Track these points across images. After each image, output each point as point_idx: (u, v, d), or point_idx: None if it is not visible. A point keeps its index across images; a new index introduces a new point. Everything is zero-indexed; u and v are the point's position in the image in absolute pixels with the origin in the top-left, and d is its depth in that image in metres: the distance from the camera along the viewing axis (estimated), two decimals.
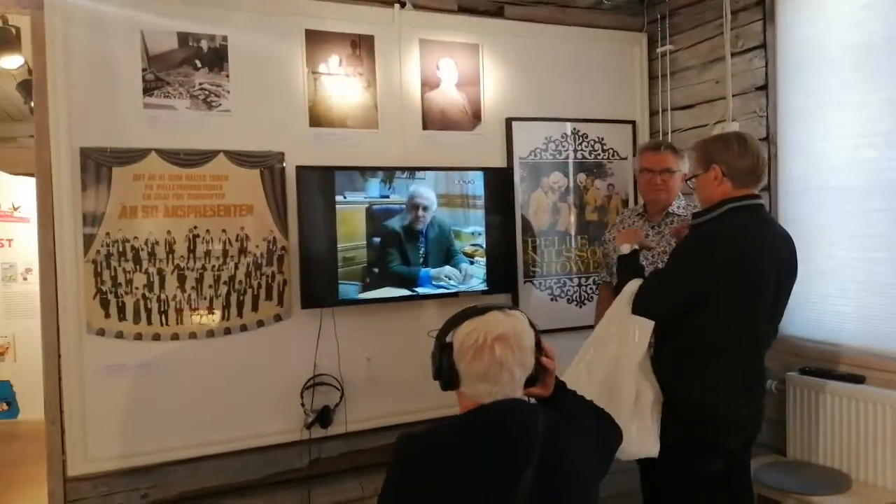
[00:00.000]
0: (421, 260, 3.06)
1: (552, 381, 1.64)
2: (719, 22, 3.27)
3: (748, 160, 2.10)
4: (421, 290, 3.07)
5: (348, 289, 2.95)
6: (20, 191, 5.60)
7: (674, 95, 3.63)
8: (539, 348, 1.58)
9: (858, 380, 2.71)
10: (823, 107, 2.85)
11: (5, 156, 5.66)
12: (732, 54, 3.22)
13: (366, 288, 2.98)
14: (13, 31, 3.36)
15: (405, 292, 3.04)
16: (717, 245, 2.04)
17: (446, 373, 1.52)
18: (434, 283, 3.09)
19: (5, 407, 5.70)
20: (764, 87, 3.12)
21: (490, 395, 1.47)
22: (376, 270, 2.99)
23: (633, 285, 2.22)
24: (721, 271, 2.00)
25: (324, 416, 2.99)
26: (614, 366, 2.14)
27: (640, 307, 2.13)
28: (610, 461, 1.64)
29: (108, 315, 2.71)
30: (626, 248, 2.45)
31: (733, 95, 3.22)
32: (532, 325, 1.58)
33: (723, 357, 2.06)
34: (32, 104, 2.74)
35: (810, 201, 2.92)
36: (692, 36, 3.50)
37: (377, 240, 2.98)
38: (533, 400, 1.63)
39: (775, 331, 2.28)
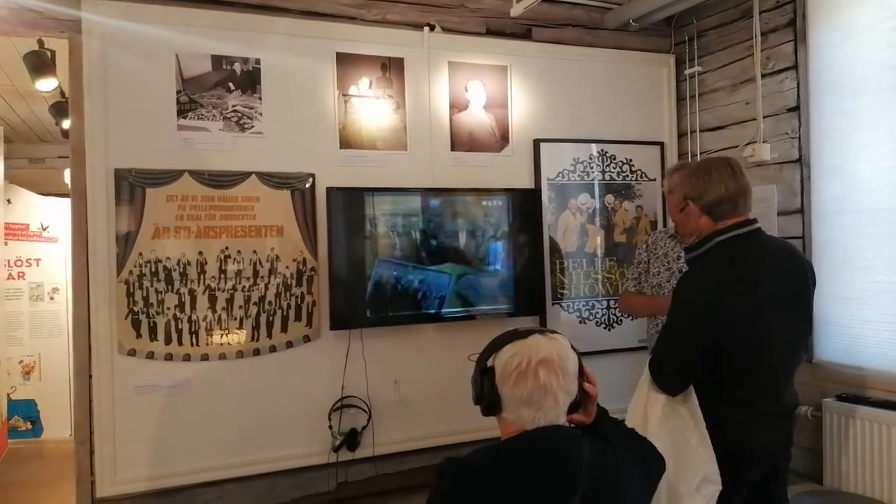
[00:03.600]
0: (447, 279, 3.05)
1: (594, 407, 1.61)
2: (749, 43, 3.26)
3: (717, 190, 1.99)
4: (447, 311, 3.05)
5: (376, 310, 2.94)
6: (48, 211, 5.67)
7: (702, 117, 3.61)
8: (581, 374, 1.55)
9: None
10: (857, 128, 2.82)
11: (35, 176, 5.75)
12: (763, 75, 3.20)
13: (395, 309, 2.97)
14: (48, 54, 3.41)
15: (432, 313, 3.02)
16: (701, 296, 1.94)
17: (488, 397, 1.49)
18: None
19: (30, 426, 5.71)
20: (796, 109, 3.09)
21: (534, 420, 1.44)
22: (403, 291, 2.98)
23: None
24: (716, 313, 1.91)
25: (351, 439, 2.96)
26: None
27: (659, 384, 2.00)
28: (653, 491, 1.60)
29: (139, 335, 2.72)
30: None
31: (764, 117, 3.19)
32: (574, 349, 1.55)
33: (733, 388, 1.96)
34: (64, 126, 2.77)
35: (845, 224, 2.88)
36: (721, 57, 3.49)
37: (404, 260, 2.98)
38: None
39: (805, 349, 2.19)
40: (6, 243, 5.57)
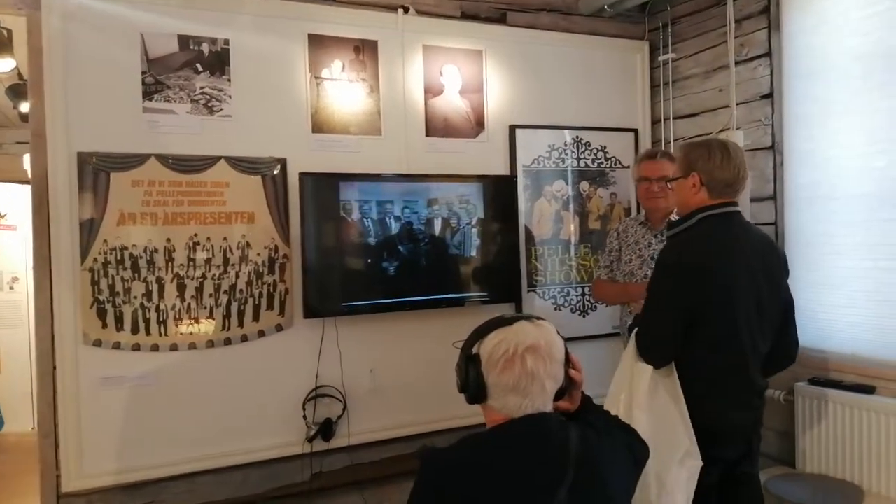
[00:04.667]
0: (421, 267, 3.02)
1: (579, 394, 1.59)
2: (723, 30, 3.27)
3: (729, 172, 2.03)
4: (422, 299, 3.01)
5: (351, 298, 2.89)
6: (7, 198, 5.47)
7: (676, 104, 3.61)
8: (567, 360, 1.53)
9: (868, 390, 2.69)
10: (831, 115, 2.84)
11: None
12: (736, 62, 3.21)
13: (369, 297, 2.92)
14: (5, 33, 3.28)
15: (408, 300, 2.99)
16: (682, 261, 1.98)
17: (473, 385, 1.46)
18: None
19: None
20: (769, 96, 3.11)
21: (520, 408, 1.41)
22: (378, 279, 2.94)
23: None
24: (698, 282, 1.94)
25: (326, 429, 2.92)
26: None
27: (646, 358, 2.03)
28: (638, 476, 1.59)
29: (105, 325, 2.63)
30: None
31: (737, 104, 3.20)
32: (560, 336, 1.53)
33: (707, 371, 1.98)
34: (22, 109, 2.66)
35: (817, 210, 2.90)
36: (695, 44, 3.49)
37: (378, 248, 2.93)
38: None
39: (790, 344, 2.20)
40: None
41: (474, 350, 1.48)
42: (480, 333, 1.49)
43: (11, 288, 5.54)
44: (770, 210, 3.11)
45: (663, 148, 3.57)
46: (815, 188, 2.90)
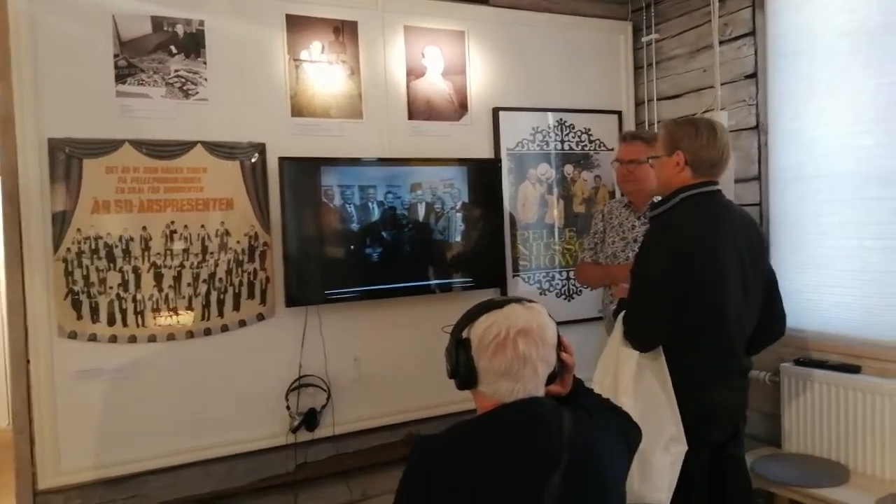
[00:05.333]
0: (405, 253, 2.97)
1: (570, 378, 1.56)
2: (706, 10, 3.23)
3: (715, 152, 2.01)
4: (406, 286, 2.97)
5: (333, 286, 2.83)
6: None
7: (660, 85, 3.58)
8: (559, 344, 1.50)
9: (854, 369, 2.69)
10: (816, 94, 2.82)
11: None
12: (720, 42, 3.18)
13: (352, 284, 2.87)
14: None
15: (392, 287, 2.94)
16: (668, 243, 1.95)
17: (464, 370, 1.42)
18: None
19: None
20: (753, 76, 3.09)
21: (512, 393, 1.37)
22: (361, 266, 2.89)
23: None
24: (684, 262, 1.92)
25: (310, 419, 2.87)
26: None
27: (633, 341, 2.00)
28: (631, 458, 1.56)
29: (80, 317, 2.55)
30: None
31: (722, 84, 3.18)
32: (551, 318, 1.49)
33: (692, 348, 1.96)
34: None
35: (802, 189, 2.89)
36: (678, 24, 3.46)
37: (361, 234, 2.87)
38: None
39: (777, 319, 2.19)
40: None
41: (464, 334, 1.44)
42: (471, 317, 1.45)
43: None
44: (755, 190, 3.09)
45: (639, 129, 3.54)
46: (800, 168, 2.89)
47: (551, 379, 1.49)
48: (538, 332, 1.38)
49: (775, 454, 2.86)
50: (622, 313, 2.07)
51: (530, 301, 1.48)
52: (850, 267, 2.73)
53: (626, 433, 1.54)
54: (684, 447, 1.91)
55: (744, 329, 2.03)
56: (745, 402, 2.13)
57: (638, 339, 1.99)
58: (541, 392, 1.41)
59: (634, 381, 1.95)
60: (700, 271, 1.92)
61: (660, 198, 2.56)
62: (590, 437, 1.37)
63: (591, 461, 1.35)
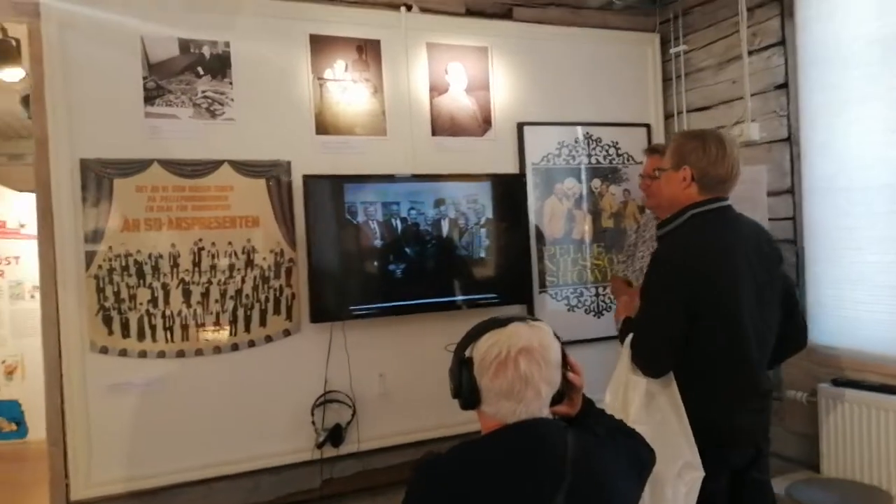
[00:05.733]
0: (429, 269, 2.97)
1: (579, 398, 1.53)
2: (734, 20, 3.17)
3: (723, 169, 1.92)
4: (431, 301, 2.97)
5: (357, 301, 2.85)
6: (26, 208, 5.53)
7: (689, 97, 3.52)
8: (565, 363, 1.47)
9: (893, 390, 2.58)
10: (847, 103, 2.74)
11: (13, 173, 5.61)
12: (749, 52, 3.11)
13: (376, 300, 2.88)
14: (13, 42, 3.29)
15: (415, 303, 2.94)
16: (676, 264, 1.88)
17: (466, 390, 1.41)
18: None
19: (14, 427, 5.60)
20: (784, 86, 3.01)
21: (514, 413, 1.35)
22: (385, 282, 2.90)
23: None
24: (690, 296, 1.84)
25: (335, 435, 2.88)
26: None
27: (643, 367, 1.93)
28: (644, 483, 1.52)
29: (111, 332, 2.62)
30: (618, 323, 2.25)
31: (752, 95, 3.11)
32: (557, 337, 1.47)
33: (710, 373, 1.89)
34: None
35: (836, 203, 2.80)
36: (707, 35, 3.40)
37: (385, 250, 2.89)
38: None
39: (798, 329, 2.11)
40: None
41: (467, 353, 1.43)
42: (473, 336, 1.44)
43: (33, 297, 5.59)
44: (788, 204, 3.01)
45: (660, 143, 3.47)
46: (834, 180, 2.80)
47: (558, 399, 1.47)
48: (540, 352, 1.36)
49: (812, 478, 2.75)
50: (629, 337, 2.01)
51: (535, 319, 1.46)
52: (887, 283, 2.62)
53: (637, 456, 1.50)
54: (700, 473, 1.84)
55: (764, 347, 1.95)
56: (767, 423, 2.04)
57: (647, 364, 1.92)
58: (544, 413, 1.39)
59: (645, 410, 1.88)
60: (710, 292, 1.85)
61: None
62: (594, 460, 1.34)
63: (596, 483, 1.32)
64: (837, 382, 2.75)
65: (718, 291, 1.86)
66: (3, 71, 3.44)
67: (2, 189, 5.46)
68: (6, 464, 4.85)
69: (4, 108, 4.98)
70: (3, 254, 5.53)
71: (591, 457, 1.34)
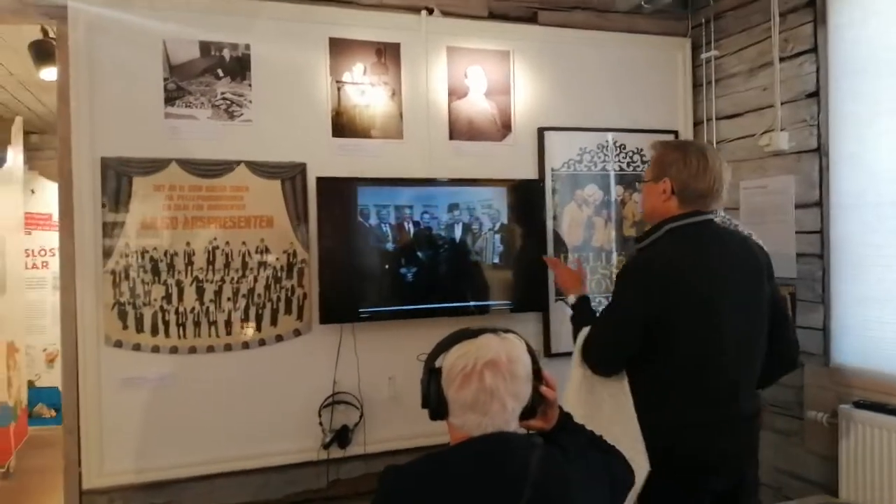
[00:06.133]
0: (440, 273, 2.96)
1: (554, 412, 1.50)
2: (767, 25, 3.07)
3: (705, 183, 1.85)
4: (443, 306, 2.95)
5: (368, 304, 2.86)
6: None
7: (719, 104, 3.42)
8: (538, 377, 1.44)
9: None
10: (879, 114, 2.62)
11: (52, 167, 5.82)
12: (781, 59, 3.01)
13: (386, 303, 2.89)
14: (53, 43, 3.41)
15: (426, 307, 2.93)
16: (650, 274, 1.84)
17: (434, 401, 1.40)
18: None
19: (53, 413, 5.82)
20: (815, 94, 2.90)
21: (480, 426, 1.34)
22: (396, 285, 2.90)
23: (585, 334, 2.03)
24: (661, 301, 1.79)
25: (342, 436, 2.89)
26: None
27: (590, 363, 1.93)
28: (620, 500, 1.48)
29: (125, 326, 2.69)
30: (571, 298, 2.23)
31: (782, 103, 3.00)
32: (530, 350, 1.45)
33: (685, 389, 1.83)
34: None
35: (865, 218, 2.68)
36: (739, 40, 3.30)
37: (396, 253, 2.89)
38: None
39: (789, 347, 2.02)
40: (30, 233, 5.66)
41: (437, 363, 1.42)
42: (444, 346, 1.43)
43: None
44: (815, 217, 2.89)
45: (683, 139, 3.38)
46: (863, 194, 2.68)
47: (531, 413, 1.44)
48: (506, 366, 1.34)
49: (828, 503, 2.64)
50: (582, 332, 1.98)
51: (507, 331, 1.44)
52: None
53: (611, 473, 1.46)
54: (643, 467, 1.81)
55: (748, 366, 1.87)
56: (753, 448, 1.96)
57: (596, 365, 1.92)
58: (512, 427, 1.37)
59: (579, 396, 1.90)
60: (680, 308, 1.80)
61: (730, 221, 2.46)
62: (559, 477, 1.32)
63: (558, 500, 1.29)
64: (859, 405, 2.64)
65: (691, 308, 1.80)
66: (42, 70, 3.57)
67: (47, 182, 5.66)
68: (43, 448, 5.03)
69: (52, 105, 5.19)
70: (49, 245, 5.73)
71: (555, 473, 1.31)
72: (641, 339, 1.83)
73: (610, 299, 1.96)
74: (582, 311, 2.15)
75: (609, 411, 1.88)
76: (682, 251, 1.86)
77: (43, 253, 5.82)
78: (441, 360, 1.42)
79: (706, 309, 1.80)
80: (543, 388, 1.45)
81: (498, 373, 1.33)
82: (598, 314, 2.08)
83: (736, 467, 1.89)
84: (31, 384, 5.54)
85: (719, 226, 1.95)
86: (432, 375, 1.41)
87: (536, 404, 1.43)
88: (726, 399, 1.83)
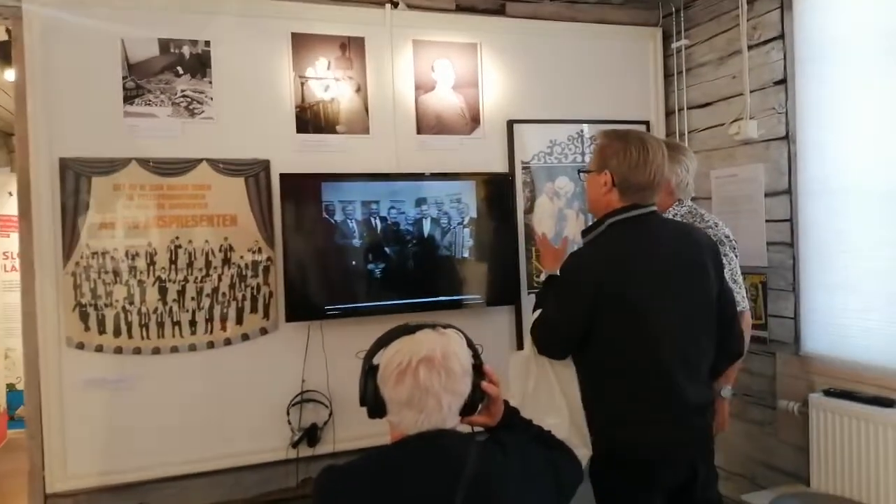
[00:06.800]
0: (409, 269, 2.93)
1: (498, 408, 1.48)
2: (736, 13, 3.04)
3: (644, 175, 1.82)
4: (412, 301, 2.93)
5: (335, 301, 2.83)
6: None
7: (690, 93, 3.40)
8: (479, 372, 1.42)
9: (888, 403, 2.44)
10: (844, 100, 2.60)
11: None
12: (749, 47, 2.98)
13: (354, 300, 2.86)
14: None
15: (395, 303, 2.90)
16: (586, 271, 1.83)
17: (371, 399, 1.38)
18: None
19: None
20: (783, 82, 2.87)
21: (416, 424, 1.31)
22: (363, 282, 2.87)
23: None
24: (596, 297, 1.78)
25: (311, 434, 2.87)
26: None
27: (538, 346, 1.94)
28: (566, 497, 1.46)
29: (87, 328, 2.65)
30: (543, 275, 2.25)
31: (751, 91, 2.98)
32: (471, 345, 1.42)
33: (622, 382, 1.81)
34: None
35: (831, 205, 2.66)
36: (708, 29, 3.27)
37: (363, 249, 2.86)
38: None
39: (734, 338, 2.00)
40: (8, 235, 5.62)
41: (375, 360, 1.40)
42: (382, 342, 1.40)
43: None
44: (785, 205, 2.87)
45: (676, 140, 3.36)
46: (828, 181, 2.67)
47: (472, 409, 1.42)
48: (441, 361, 1.32)
49: (800, 492, 2.63)
50: (536, 312, 1.99)
51: (447, 326, 1.42)
52: (882, 290, 2.48)
53: (556, 470, 1.44)
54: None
55: (690, 359, 1.84)
56: (704, 440, 1.94)
57: (543, 351, 1.94)
58: (449, 424, 1.34)
59: (522, 380, 1.93)
60: (617, 302, 1.78)
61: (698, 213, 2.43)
62: (496, 474, 1.29)
63: (496, 499, 1.27)
64: (829, 393, 2.62)
65: (623, 302, 1.78)
66: (8, 71, 3.52)
67: None
68: (21, 451, 4.98)
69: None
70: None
71: (492, 471, 1.29)
72: (581, 329, 1.81)
73: (554, 291, 1.94)
74: (542, 287, 2.16)
75: (554, 392, 1.89)
76: (619, 246, 1.83)
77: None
78: (379, 357, 1.39)
79: (639, 303, 1.78)
80: (485, 384, 1.43)
81: (433, 369, 1.30)
82: None
83: (684, 460, 1.86)
84: (11, 387, 5.50)
85: (661, 218, 1.93)
86: (369, 373, 1.38)
87: (477, 400, 1.41)
88: (663, 393, 1.80)
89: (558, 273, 1.97)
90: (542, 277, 2.26)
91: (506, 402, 1.52)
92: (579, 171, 2.12)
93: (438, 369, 1.31)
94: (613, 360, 1.80)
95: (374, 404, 1.37)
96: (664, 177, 1.88)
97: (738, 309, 2.15)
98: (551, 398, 1.88)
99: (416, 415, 1.31)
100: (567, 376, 1.89)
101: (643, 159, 1.82)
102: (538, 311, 1.98)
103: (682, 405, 1.81)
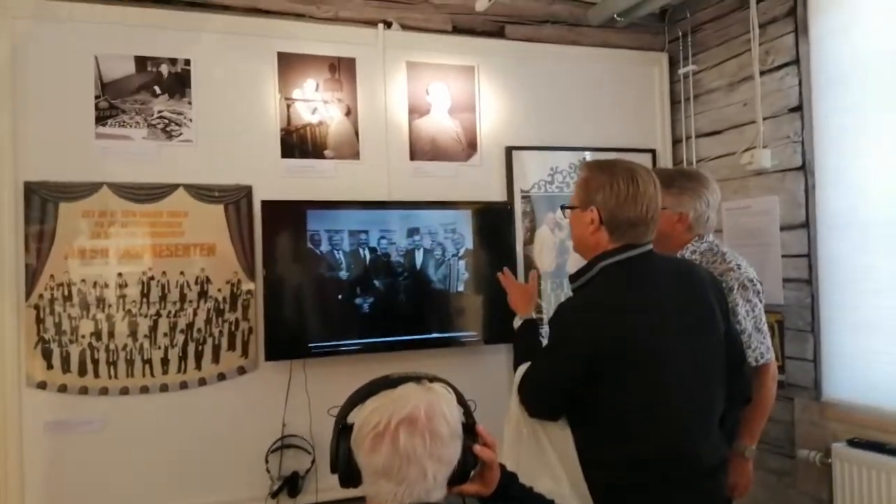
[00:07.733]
0: (400, 303, 2.73)
1: (494, 475, 1.27)
2: (747, 37, 2.88)
3: (635, 210, 1.62)
4: (404, 339, 2.73)
5: (319, 338, 2.63)
6: None
7: (699, 120, 3.24)
8: (471, 434, 1.22)
9: None
10: (864, 127, 2.43)
11: None
12: (762, 72, 2.82)
13: (340, 336, 2.66)
14: None
15: (384, 340, 2.70)
16: (579, 325, 1.61)
17: (343, 465, 1.17)
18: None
19: None
20: (798, 108, 2.71)
21: (395, 497, 1.11)
22: (350, 317, 2.67)
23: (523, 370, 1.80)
24: (592, 355, 1.57)
25: (292, 484, 2.64)
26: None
27: (527, 409, 1.71)
28: None
29: (50, 366, 2.45)
30: (517, 320, 1.98)
31: (764, 118, 2.81)
32: (462, 401, 1.22)
33: (625, 444, 1.59)
34: None
35: (854, 239, 2.48)
36: (718, 54, 3.12)
37: (351, 283, 2.67)
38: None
39: (744, 383, 1.82)
40: None
41: (349, 420, 1.19)
42: (357, 398, 1.21)
43: None
44: (802, 239, 2.69)
45: (664, 168, 3.16)
46: (852, 214, 2.48)
47: (464, 477, 1.21)
48: (425, 423, 1.12)
49: None
50: (522, 367, 1.76)
51: (436, 379, 1.21)
52: None
53: None
54: None
55: (705, 413, 1.65)
56: (718, 501, 1.75)
57: (534, 411, 1.71)
58: (434, 497, 1.14)
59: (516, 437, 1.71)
60: (616, 357, 1.57)
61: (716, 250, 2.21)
62: None
63: None
64: (854, 443, 2.41)
65: (629, 358, 1.57)
66: None
67: None
68: None
69: None
70: None
71: None
72: (576, 390, 1.61)
73: (545, 347, 1.73)
74: (521, 337, 1.92)
75: (550, 456, 1.67)
76: (615, 294, 1.62)
77: None
78: (354, 415, 1.19)
79: (641, 359, 1.57)
80: (478, 448, 1.22)
81: (415, 432, 1.11)
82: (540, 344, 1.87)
83: None
84: None
85: (658, 258, 1.72)
86: (342, 435, 1.18)
87: (469, 467, 1.21)
88: (672, 455, 1.58)
89: (533, 316, 1.77)
90: (517, 323, 1.99)
91: (502, 467, 1.31)
92: (562, 207, 1.91)
93: (422, 432, 1.11)
94: (614, 421, 1.59)
95: (347, 472, 1.16)
96: (659, 212, 1.67)
97: (763, 360, 1.96)
98: (545, 463, 1.66)
99: (395, 487, 1.10)
100: (563, 438, 1.66)
101: (633, 193, 1.62)
102: (523, 366, 1.76)
103: (693, 468, 1.60)
